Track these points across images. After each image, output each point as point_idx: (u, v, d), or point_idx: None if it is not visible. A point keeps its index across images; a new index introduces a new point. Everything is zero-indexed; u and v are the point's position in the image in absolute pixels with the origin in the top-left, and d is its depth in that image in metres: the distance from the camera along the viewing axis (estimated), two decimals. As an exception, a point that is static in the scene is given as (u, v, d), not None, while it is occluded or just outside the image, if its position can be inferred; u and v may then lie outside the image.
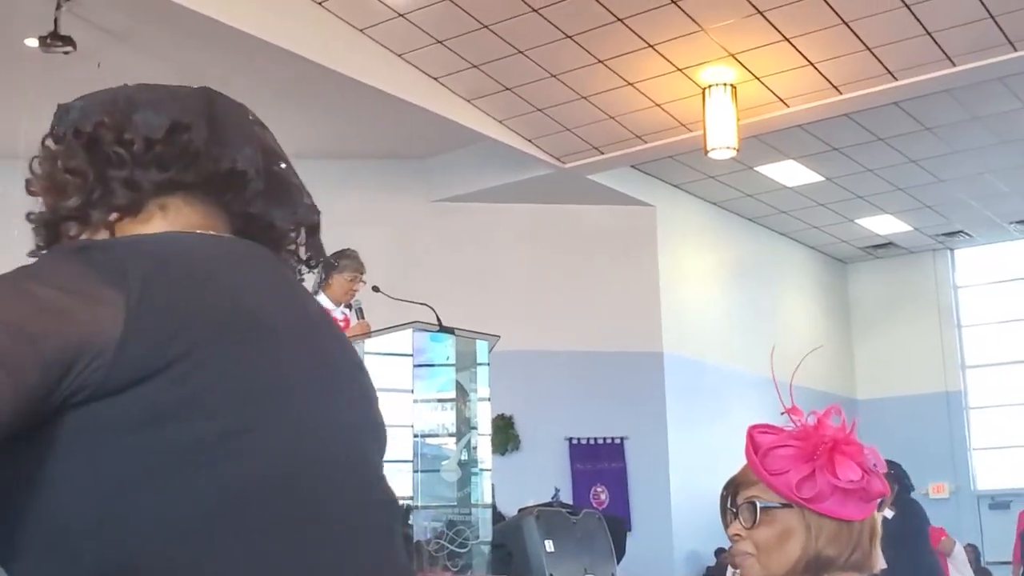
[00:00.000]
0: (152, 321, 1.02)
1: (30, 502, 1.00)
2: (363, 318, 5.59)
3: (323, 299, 5.72)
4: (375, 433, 1.25)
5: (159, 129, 1.21)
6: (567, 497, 10.76)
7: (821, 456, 1.78)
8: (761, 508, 1.81)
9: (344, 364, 1.24)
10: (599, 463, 11.25)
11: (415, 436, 4.84)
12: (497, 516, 5.38)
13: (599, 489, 11.22)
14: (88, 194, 1.20)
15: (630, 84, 8.88)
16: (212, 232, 1.23)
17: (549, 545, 4.71)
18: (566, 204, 11.42)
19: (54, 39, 8.04)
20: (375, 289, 5.39)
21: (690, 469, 11.33)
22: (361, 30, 8.28)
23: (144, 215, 1.22)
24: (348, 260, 5.70)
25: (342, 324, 5.56)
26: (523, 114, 9.51)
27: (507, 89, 9.06)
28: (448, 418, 5.03)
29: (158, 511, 0.99)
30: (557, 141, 10.01)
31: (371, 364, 4.66)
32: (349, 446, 1.16)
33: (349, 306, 5.71)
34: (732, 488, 1.89)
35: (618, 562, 5.19)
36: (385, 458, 1.28)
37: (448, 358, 5.09)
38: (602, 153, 10.19)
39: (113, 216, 1.21)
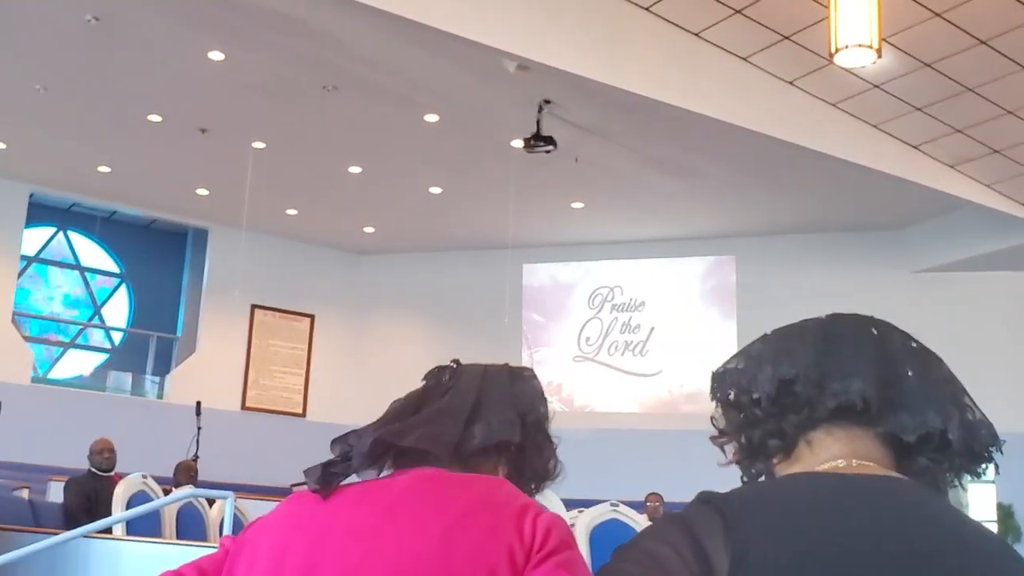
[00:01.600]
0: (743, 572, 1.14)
1: None
2: None
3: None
4: None
5: (772, 385, 1.33)
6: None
7: None
8: None
9: None
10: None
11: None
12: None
13: (1124, 592, 9.83)
14: (746, 449, 1.37)
15: None
16: (854, 463, 1.29)
17: None
18: (1065, 269, 10.31)
19: (537, 140, 8.60)
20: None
21: None
22: (834, 104, 8.04)
23: (796, 453, 1.33)
24: None
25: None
26: (1015, 176, 8.73)
27: (995, 152, 8.36)
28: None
29: None
30: (1055, 202, 9.08)
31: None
32: None
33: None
34: None
35: None
36: None
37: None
38: (1106, 211, 9.11)
39: (774, 460, 1.35)
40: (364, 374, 12.37)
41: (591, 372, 12.44)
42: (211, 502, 7.42)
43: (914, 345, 1.38)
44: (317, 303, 12.43)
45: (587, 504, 7.35)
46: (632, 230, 11.80)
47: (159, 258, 12.82)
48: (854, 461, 1.28)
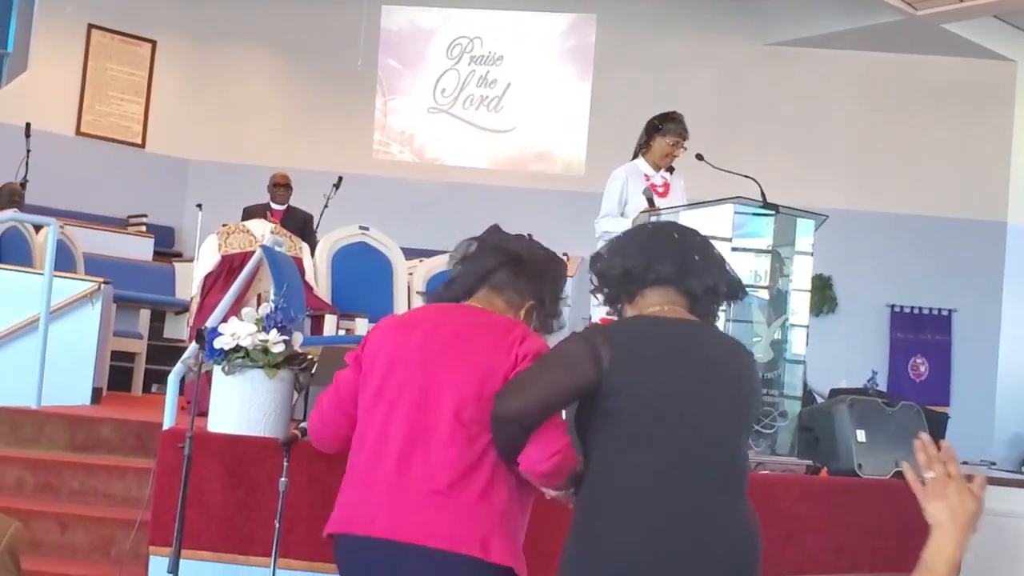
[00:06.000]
0: (617, 367, 2.34)
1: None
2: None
3: (642, 163, 5.56)
4: (735, 412, 2.44)
5: (619, 270, 2.53)
6: (882, 365, 10.34)
7: None
8: None
9: (721, 381, 2.42)
10: (922, 334, 10.67)
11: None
12: (808, 395, 5.18)
13: (919, 361, 10.67)
14: (609, 297, 2.59)
15: (1004, -75, 7.92)
16: (666, 308, 2.49)
17: (860, 435, 4.48)
18: (913, 54, 10.55)
19: None
20: (699, 157, 5.11)
21: (1023, 349, 10.56)
22: None
23: (636, 302, 2.52)
24: (672, 124, 5.45)
25: (661, 190, 5.40)
26: (877, -45, 8.75)
27: (860, -73, 8.33)
28: (763, 266, 4.81)
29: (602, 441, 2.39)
30: (912, -15, 9.18)
31: (691, 217, 4.51)
32: (702, 431, 2.36)
33: (670, 170, 5.49)
34: None
35: (934, 458, 4.86)
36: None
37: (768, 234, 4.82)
38: (962, 0, 9.26)
39: (623, 305, 2.56)
40: (208, 107, 11.92)
41: (444, 124, 12.31)
42: (37, 228, 7.21)
43: (699, 239, 2.55)
44: (159, 28, 11.77)
45: (430, 254, 7.45)
46: (496, -25, 11.48)
47: (-13, -36, 11.86)
48: (666, 307, 2.47)
